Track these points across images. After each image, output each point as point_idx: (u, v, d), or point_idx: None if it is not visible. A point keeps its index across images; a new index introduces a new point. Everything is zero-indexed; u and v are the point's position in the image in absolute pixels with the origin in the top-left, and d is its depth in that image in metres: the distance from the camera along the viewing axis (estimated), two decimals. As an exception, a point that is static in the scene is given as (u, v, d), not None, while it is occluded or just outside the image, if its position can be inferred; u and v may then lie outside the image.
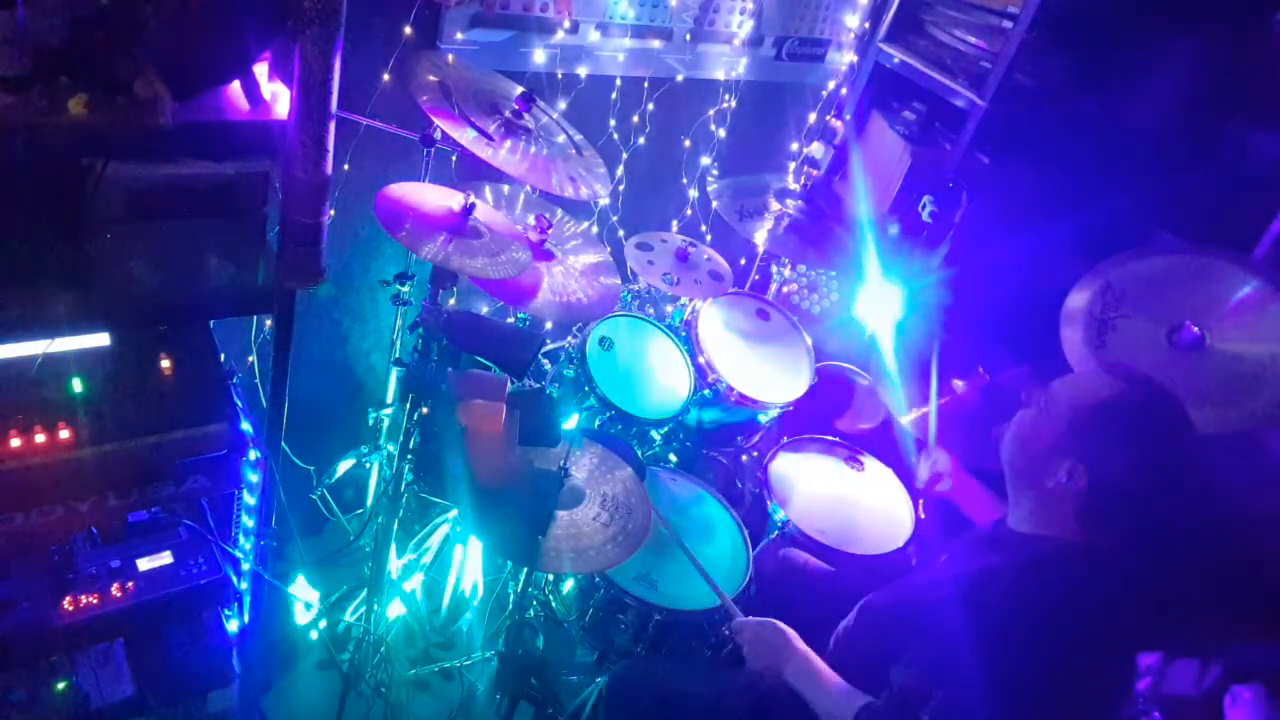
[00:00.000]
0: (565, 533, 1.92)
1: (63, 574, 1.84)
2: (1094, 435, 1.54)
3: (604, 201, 2.81)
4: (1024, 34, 2.56)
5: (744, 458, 2.71)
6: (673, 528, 2.15)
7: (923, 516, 2.36)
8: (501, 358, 2.17)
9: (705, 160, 3.13)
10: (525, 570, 2.11)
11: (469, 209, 2.06)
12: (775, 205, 2.74)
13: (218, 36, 1.42)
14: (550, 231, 2.39)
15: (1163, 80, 2.55)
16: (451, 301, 2.59)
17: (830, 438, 2.65)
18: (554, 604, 2.31)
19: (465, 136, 2.10)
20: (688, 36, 2.83)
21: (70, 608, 1.80)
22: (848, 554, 2.28)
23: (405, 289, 2.35)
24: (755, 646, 1.81)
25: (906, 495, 2.52)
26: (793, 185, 2.80)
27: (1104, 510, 1.55)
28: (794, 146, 3.30)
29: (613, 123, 2.83)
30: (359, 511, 2.95)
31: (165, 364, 1.76)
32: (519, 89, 2.39)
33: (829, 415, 2.80)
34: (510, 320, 2.55)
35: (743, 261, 3.11)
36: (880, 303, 2.65)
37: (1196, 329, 1.99)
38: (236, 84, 1.56)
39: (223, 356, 1.88)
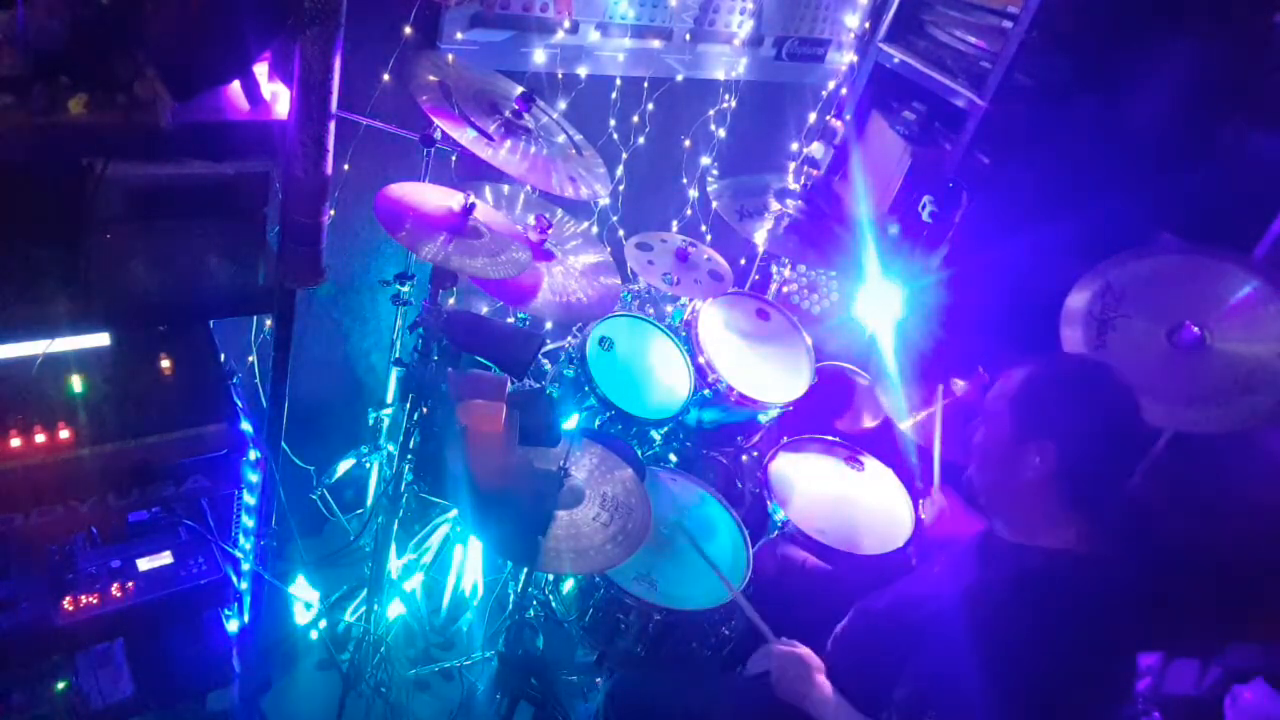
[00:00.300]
0: (565, 533, 1.92)
1: (63, 574, 1.84)
2: (1039, 409, 1.58)
3: (604, 201, 2.81)
4: (1024, 34, 2.56)
5: (744, 458, 2.71)
6: (690, 536, 2.16)
7: (922, 517, 2.36)
8: (501, 358, 2.17)
9: (705, 160, 3.13)
10: (525, 570, 2.11)
11: (469, 209, 2.06)
12: (775, 205, 2.74)
13: (218, 36, 1.41)
14: (550, 231, 2.39)
15: (1163, 80, 2.55)
16: (451, 301, 2.59)
17: (830, 438, 2.65)
18: (554, 604, 2.31)
19: (465, 136, 2.10)
20: (688, 36, 2.83)
21: (70, 608, 1.80)
22: (847, 554, 2.28)
23: (405, 289, 2.35)
24: (784, 673, 1.80)
25: (906, 495, 2.52)
26: (793, 185, 2.81)
27: (1083, 487, 1.55)
28: (794, 146, 3.30)
29: (613, 123, 2.83)
30: (359, 511, 2.95)
31: (165, 364, 1.76)
32: (519, 89, 2.39)
33: (829, 415, 2.80)
34: (510, 320, 2.55)
35: (743, 261, 3.10)
36: (880, 303, 2.66)
37: (1196, 329, 2.00)
38: (236, 84, 1.56)
39: (223, 356, 1.88)
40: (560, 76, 2.63)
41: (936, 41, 2.91)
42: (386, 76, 2.30)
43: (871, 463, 2.61)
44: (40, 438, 1.55)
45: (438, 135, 2.17)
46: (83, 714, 1.94)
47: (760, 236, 2.68)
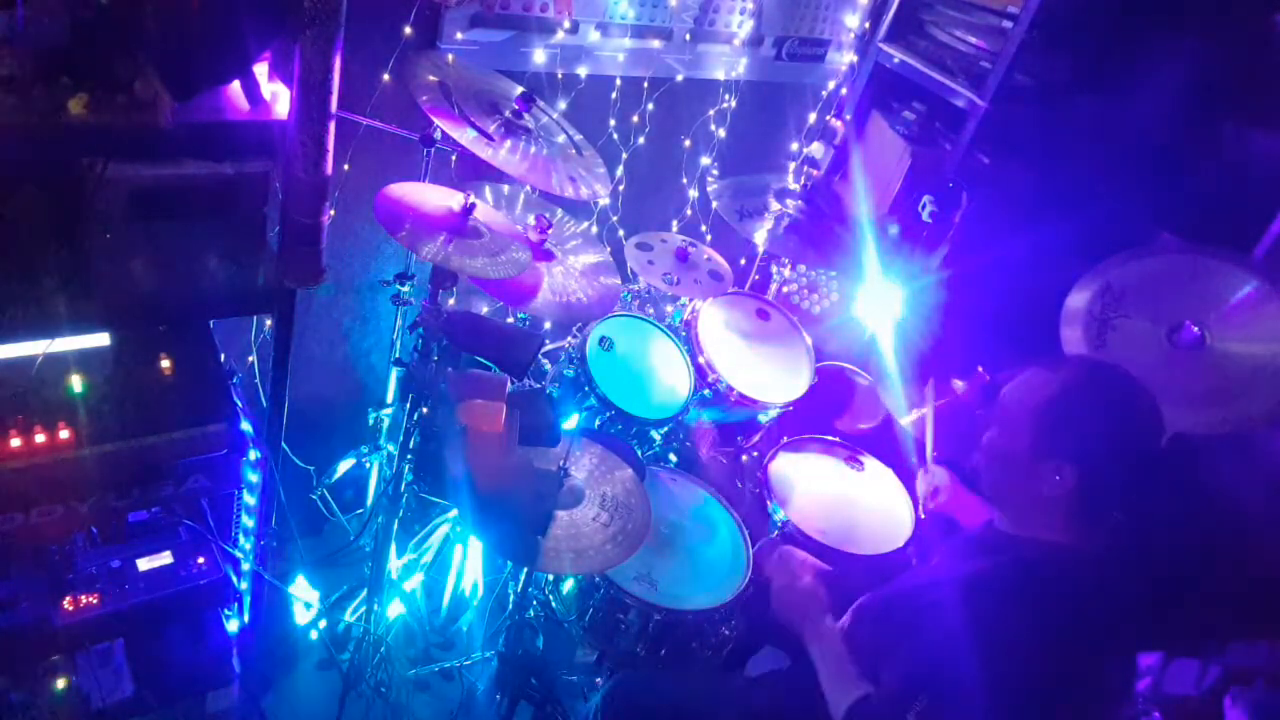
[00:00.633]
0: (565, 533, 1.92)
1: (63, 574, 1.84)
2: (1064, 431, 1.55)
3: (604, 201, 2.81)
4: (1024, 34, 2.56)
5: (744, 458, 2.71)
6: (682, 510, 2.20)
7: (923, 517, 2.36)
8: (501, 358, 2.17)
9: (705, 160, 3.13)
10: (525, 570, 2.11)
11: (469, 209, 2.06)
12: (775, 205, 2.74)
13: (218, 37, 1.41)
14: (550, 231, 2.39)
15: (1163, 80, 2.55)
16: (451, 301, 2.59)
17: (830, 438, 2.64)
18: (554, 604, 2.30)
19: (465, 136, 2.10)
20: (687, 36, 2.83)
21: (70, 608, 1.81)
22: (847, 554, 2.28)
23: (405, 289, 2.35)
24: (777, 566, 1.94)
25: (906, 495, 2.52)
26: (793, 185, 2.80)
27: (1096, 503, 1.55)
28: (794, 146, 3.30)
29: (613, 123, 2.83)
30: (359, 511, 2.95)
31: (165, 364, 1.76)
32: (519, 89, 2.39)
33: (829, 415, 2.80)
34: (510, 320, 2.55)
35: (743, 261, 3.10)
36: (880, 303, 2.65)
37: (1196, 329, 2.00)
38: (236, 84, 1.56)
39: (223, 356, 1.88)
40: (560, 76, 2.63)
41: (936, 41, 2.91)
42: (386, 76, 2.30)
43: (871, 463, 2.61)
44: (40, 438, 1.55)
45: (438, 135, 2.17)
46: (83, 714, 1.94)
47: (760, 236, 2.68)
